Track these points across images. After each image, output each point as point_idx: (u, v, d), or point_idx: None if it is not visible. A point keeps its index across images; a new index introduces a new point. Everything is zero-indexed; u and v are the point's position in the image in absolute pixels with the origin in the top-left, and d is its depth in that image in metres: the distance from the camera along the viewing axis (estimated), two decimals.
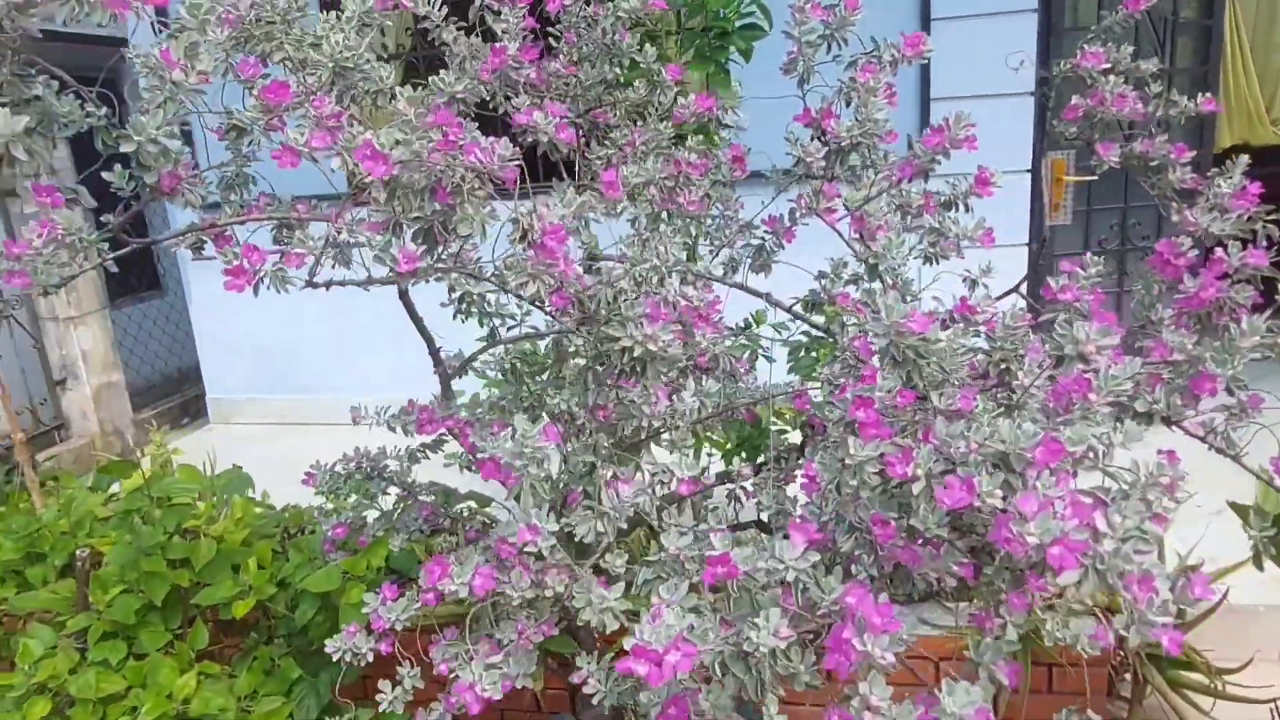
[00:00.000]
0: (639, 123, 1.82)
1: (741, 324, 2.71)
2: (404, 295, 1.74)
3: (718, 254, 1.90)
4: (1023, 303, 1.95)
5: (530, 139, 1.47)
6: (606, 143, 1.92)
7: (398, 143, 1.10)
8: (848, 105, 1.62)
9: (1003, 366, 1.45)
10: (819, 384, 1.81)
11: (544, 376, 1.99)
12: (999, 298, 1.88)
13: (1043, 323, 1.61)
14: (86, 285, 5.32)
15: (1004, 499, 0.92)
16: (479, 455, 1.28)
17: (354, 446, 2.32)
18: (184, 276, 5.90)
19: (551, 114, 1.42)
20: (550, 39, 1.86)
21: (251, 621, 2.43)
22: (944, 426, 1.03)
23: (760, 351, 2.86)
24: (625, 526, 1.21)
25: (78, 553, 2.11)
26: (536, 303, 1.40)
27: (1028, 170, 4.12)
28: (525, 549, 1.13)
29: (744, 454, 3.00)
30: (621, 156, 1.84)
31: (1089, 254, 1.51)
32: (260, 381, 5.76)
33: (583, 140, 1.96)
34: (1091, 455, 1.02)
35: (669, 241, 1.83)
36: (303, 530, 2.77)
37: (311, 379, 5.59)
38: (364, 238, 1.12)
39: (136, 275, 6.32)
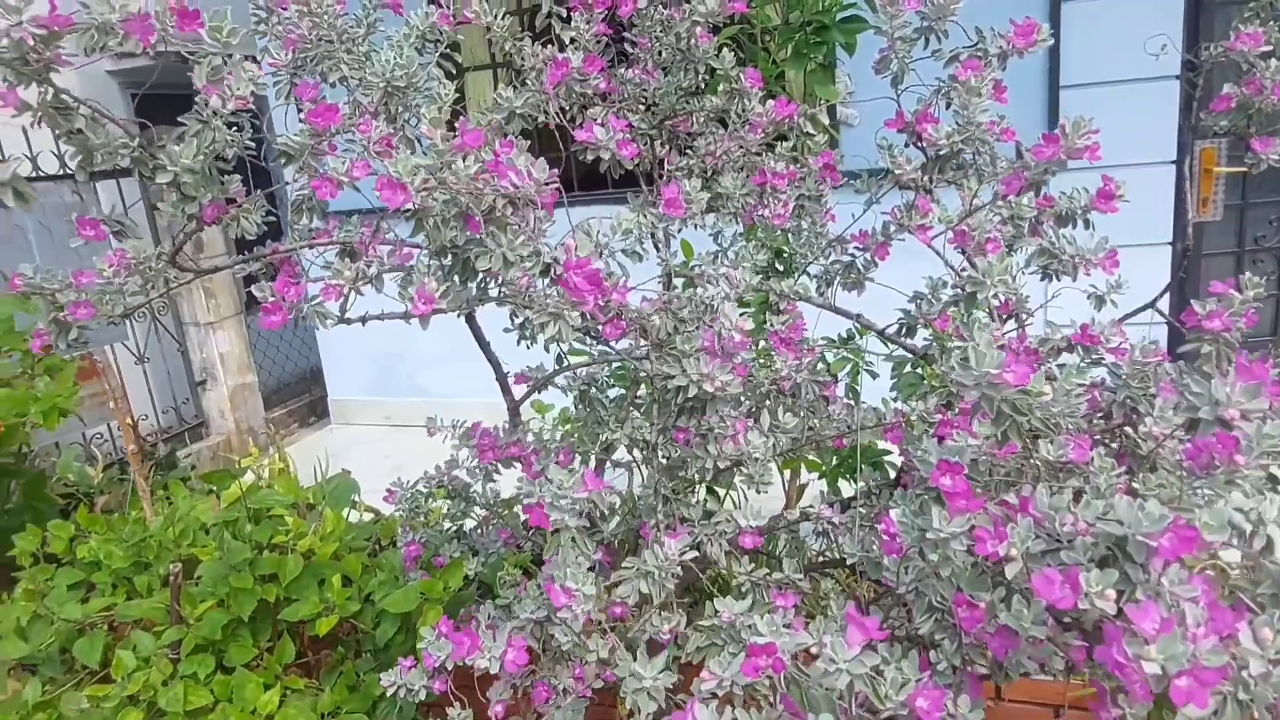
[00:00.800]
0: (725, 129, 1.69)
1: (843, 335, 2.54)
2: (470, 319, 1.67)
3: (802, 271, 1.74)
4: (1158, 326, 1.70)
5: (592, 156, 1.37)
6: (689, 152, 1.80)
7: (420, 169, 1.02)
8: (947, 107, 1.43)
9: (1130, 407, 1.24)
10: (915, 416, 1.63)
11: (615, 400, 1.88)
12: (1132, 315, 1.64)
13: (1184, 353, 1.38)
14: (224, 292, 5.63)
15: (1119, 599, 0.75)
16: (524, 499, 1.19)
17: (435, 465, 2.31)
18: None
19: (615, 128, 1.31)
20: (627, 43, 1.75)
21: (340, 635, 2.44)
22: (1046, 498, 0.86)
23: (862, 367, 2.67)
24: (672, 588, 1.09)
25: (171, 566, 2.17)
26: (591, 335, 1.30)
27: (1172, 161, 3.71)
28: (560, 615, 1.02)
29: (846, 475, 2.82)
30: (702, 167, 1.72)
31: (1246, 275, 1.27)
32: (377, 384, 5.95)
33: (664, 149, 1.85)
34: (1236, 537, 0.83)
35: (747, 259, 1.69)
36: (394, 543, 2.78)
37: (426, 382, 5.72)
38: (393, 270, 1.04)
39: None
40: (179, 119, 1.23)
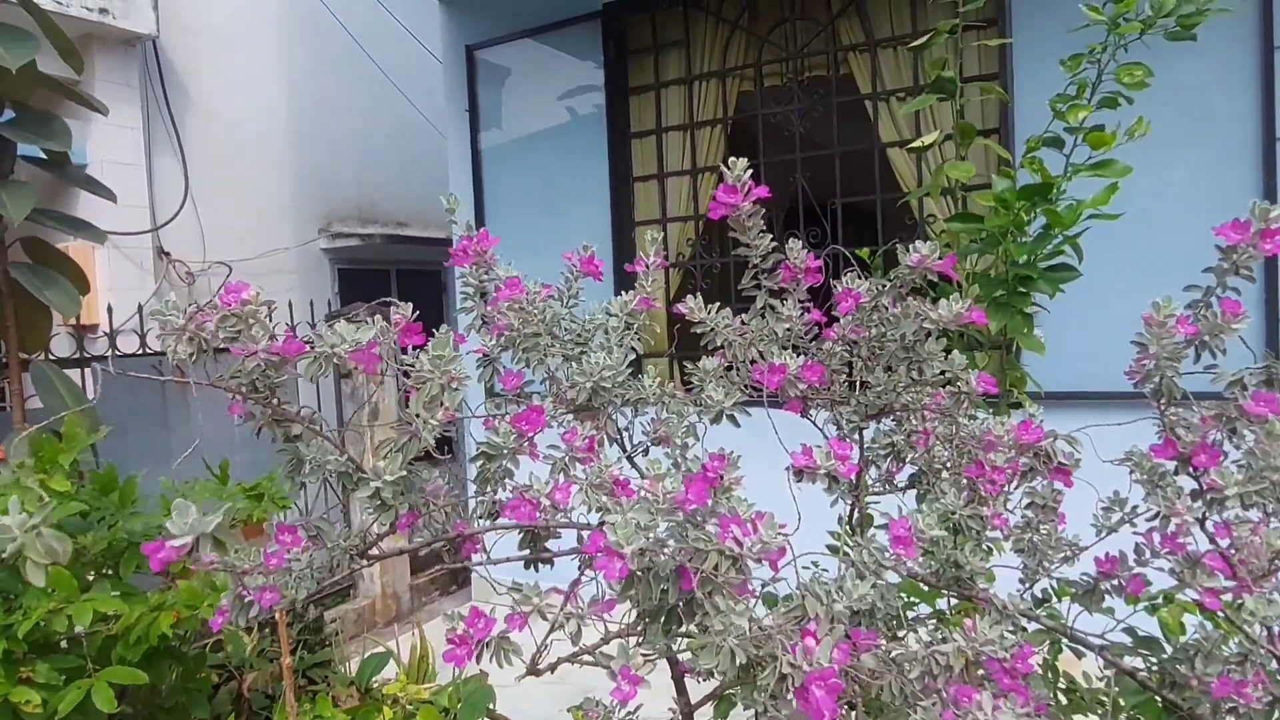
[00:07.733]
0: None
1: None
2: None
3: (1029, 588, 1.50)
4: None
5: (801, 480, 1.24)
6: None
7: (640, 528, 0.92)
8: (1231, 436, 1.22)
9: None
10: None
11: None
12: None
13: None
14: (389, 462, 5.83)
15: None
16: None
17: None
18: (464, 449, 6.13)
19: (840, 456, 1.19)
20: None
21: None
22: None
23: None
24: None
25: None
26: None
27: None
28: None
29: None
30: (932, 479, 1.55)
31: None
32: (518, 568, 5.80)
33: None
34: None
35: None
36: None
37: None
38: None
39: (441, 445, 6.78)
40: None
